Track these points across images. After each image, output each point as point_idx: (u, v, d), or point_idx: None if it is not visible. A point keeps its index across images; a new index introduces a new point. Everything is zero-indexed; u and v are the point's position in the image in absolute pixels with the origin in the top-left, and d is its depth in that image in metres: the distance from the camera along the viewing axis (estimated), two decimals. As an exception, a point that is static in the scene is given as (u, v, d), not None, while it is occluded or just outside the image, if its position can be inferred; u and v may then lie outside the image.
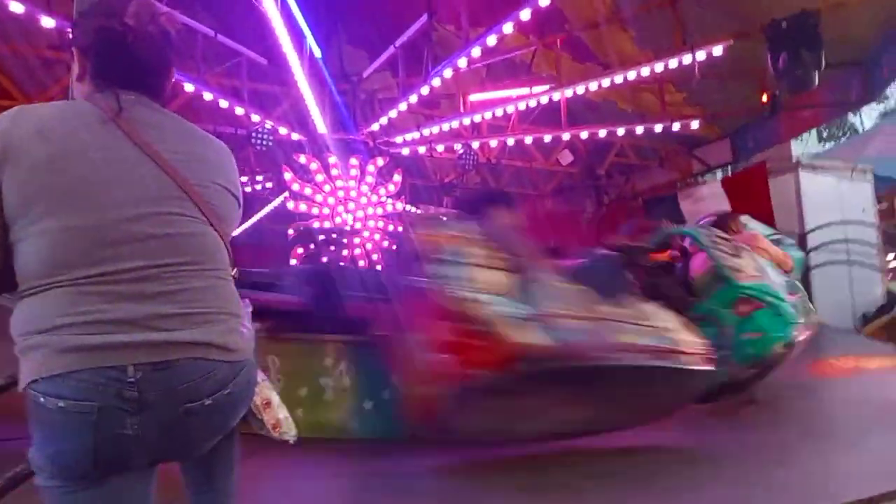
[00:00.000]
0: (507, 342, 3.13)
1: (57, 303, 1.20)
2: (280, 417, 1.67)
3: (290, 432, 1.67)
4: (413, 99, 7.19)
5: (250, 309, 1.50)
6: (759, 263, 4.59)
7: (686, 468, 3.34)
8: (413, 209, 8.64)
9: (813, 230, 7.77)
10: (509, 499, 3.04)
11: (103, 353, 1.19)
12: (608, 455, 3.68)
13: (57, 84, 6.83)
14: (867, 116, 22.18)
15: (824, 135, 22.90)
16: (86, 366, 1.17)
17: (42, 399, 1.18)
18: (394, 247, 7.78)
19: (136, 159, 1.31)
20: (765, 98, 7.05)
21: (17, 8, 5.26)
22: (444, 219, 4.30)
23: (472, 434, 3.57)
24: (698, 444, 3.84)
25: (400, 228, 7.68)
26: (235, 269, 1.49)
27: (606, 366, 3.29)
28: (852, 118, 22.16)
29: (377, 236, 7.99)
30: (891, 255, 8.17)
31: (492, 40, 6.05)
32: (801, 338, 4.47)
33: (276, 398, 1.66)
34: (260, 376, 1.53)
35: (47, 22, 5.44)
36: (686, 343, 3.61)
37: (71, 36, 1.42)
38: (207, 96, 6.74)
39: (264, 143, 7.26)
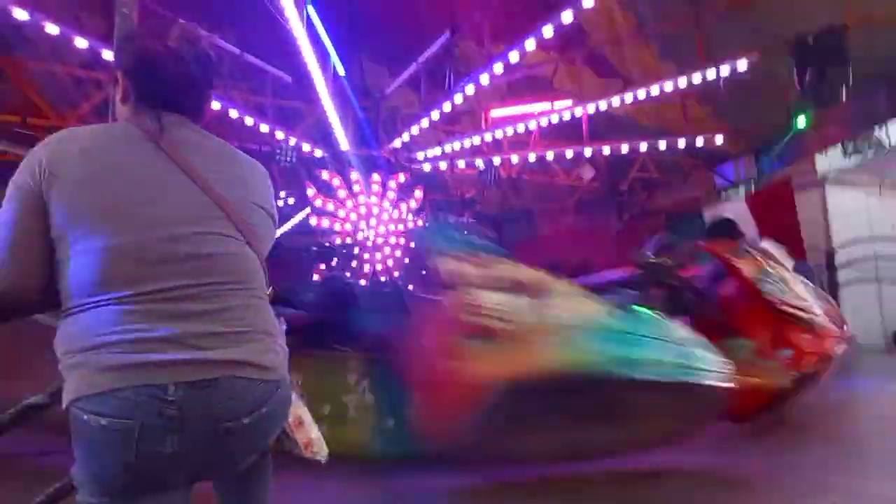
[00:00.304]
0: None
1: (99, 321, 1.22)
2: (312, 437, 1.67)
3: (321, 452, 1.67)
4: (435, 115, 7.23)
5: (285, 327, 1.51)
6: None
7: (720, 492, 3.27)
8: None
9: (841, 247, 7.63)
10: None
11: (144, 372, 1.20)
12: (639, 479, 3.62)
13: (87, 102, 6.98)
14: (894, 131, 21.76)
15: (849, 149, 22.49)
16: (127, 384, 1.19)
17: (85, 416, 1.19)
18: (407, 260, 7.76)
19: (176, 179, 1.33)
20: (801, 122, 6.96)
21: (52, 29, 5.41)
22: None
23: (493, 453, 3.60)
24: (731, 467, 3.75)
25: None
26: (270, 289, 1.51)
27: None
28: (878, 132, 21.77)
29: (399, 252, 8.01)
30: (922, 273, 7.97)
31: (514, 56, 6.08)
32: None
33: (308, 417, 1.67)
34: (293, 395, 1.54)
35: (80, 43, 5.58)
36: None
37: (115, 58, 1.45)
38: (233, 113, 6.85)
39: (288, 159, 7.34)
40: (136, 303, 1.22)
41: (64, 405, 1.24)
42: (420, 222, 8.23)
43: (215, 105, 6.72)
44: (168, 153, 1.33)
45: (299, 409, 1.62)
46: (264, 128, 7.28)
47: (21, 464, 3.41)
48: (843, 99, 5.82)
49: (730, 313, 4.44)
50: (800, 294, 4.36)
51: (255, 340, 1.34)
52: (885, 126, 21.69)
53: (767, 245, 4.88)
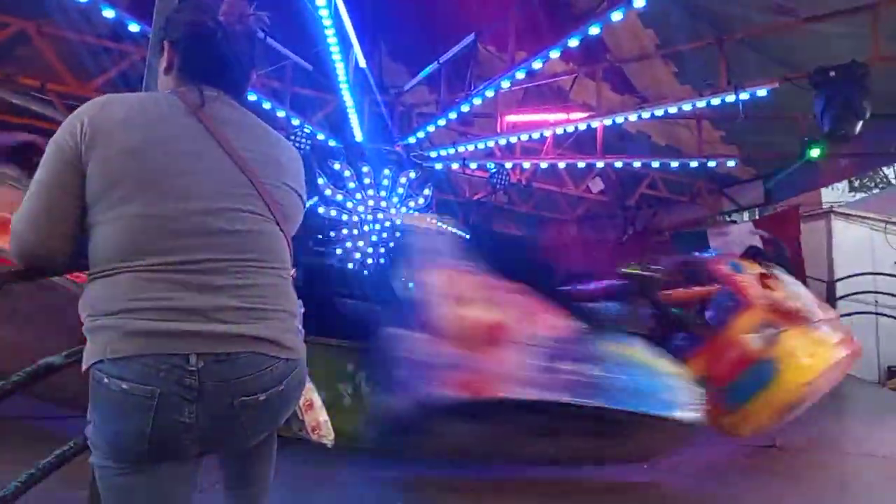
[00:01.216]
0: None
1: (127, 287, 1.24)
2: (321, 420, 1.70)
3: (328, 436, 1.71)
4: (453, 115, 7.25)
5: (303, 310, 1.54)
6: None
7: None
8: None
9: (842, 279, 7.66)
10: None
11: (168, 340, 1.22)
12: (608, 491, 3.67)
13: (106, 73, 6.99)
14: (901, 170, 21.89)
15: (855, 184, 22.65)
16: (151, 351, 1.21)
17: (106, 380, 1.22)
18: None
19: (213, 154, 1.35)
20: (815, 153, 6.98)
21: (80, -4, 5.42)
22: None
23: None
24: (719, 492, 3.79)
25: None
26: (294, 269, 1.53)
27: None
28: (885, 170, 21.90)
29: (403, 248, 8.02)
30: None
31: (537, 65, 6.10)
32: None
33: (318, 401, 1.70)
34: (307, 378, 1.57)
35: (108, 13, 5.59)
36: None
37: (163, 28, 1.47)
38: (251, 97, 6.86)
39: (302, 147, 7.35)
40: (165, 272, 1.25)
41: (84, 367, 1.27)
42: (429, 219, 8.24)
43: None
44: (206, 127, 1.36)
45: (310, 392, 1.65)
46: (281, 113, 7.30)
47: (20, 428, 3.46)
48: (856, 133, 5.84)
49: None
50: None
51: (278, 319, 1.37)
52: (893, 166, 21.66)
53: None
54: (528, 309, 3.72)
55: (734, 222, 10.40)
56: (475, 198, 10.70)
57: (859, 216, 8.61)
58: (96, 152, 1.26)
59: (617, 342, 3.80)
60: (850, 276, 7.61)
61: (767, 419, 4.08)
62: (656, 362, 3.79)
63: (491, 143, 8.38)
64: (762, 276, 4.56)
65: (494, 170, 8.85)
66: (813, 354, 4.09)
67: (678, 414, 3.57)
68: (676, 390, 3.66)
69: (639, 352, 3.80)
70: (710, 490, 3.79)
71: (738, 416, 4.00)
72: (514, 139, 8.43)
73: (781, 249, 6.27)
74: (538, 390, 3.30)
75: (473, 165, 9.09)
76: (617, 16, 5.26)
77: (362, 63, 7.44)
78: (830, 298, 7.39)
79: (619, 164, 8.85)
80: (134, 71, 6.91)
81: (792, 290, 4.51)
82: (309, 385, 1.58)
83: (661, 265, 5.25)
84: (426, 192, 8.30)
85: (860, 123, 5.72)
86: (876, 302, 7.68)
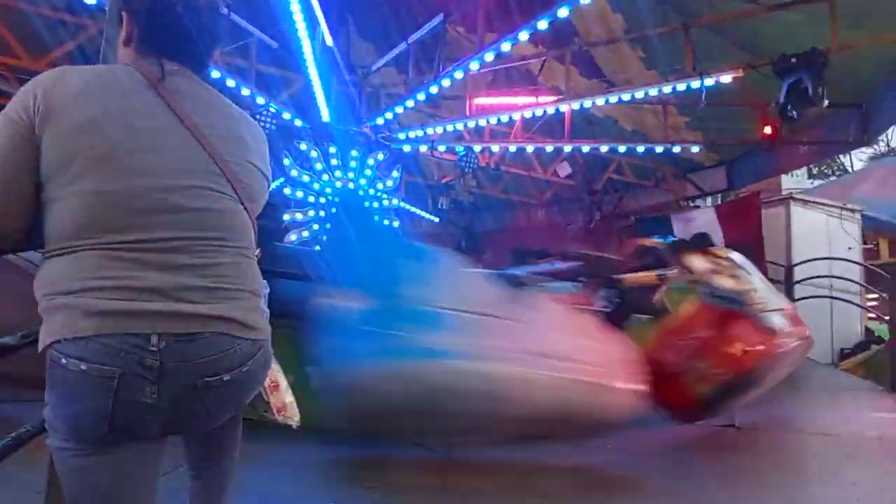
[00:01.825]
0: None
1: (85, 265, 1.20)
2: (286, 401, 1.69)
3: (294, 417, 1.69)
4: (421, 97, 7.20)
5: (268, 290, 1.51)
6: None
7: (663, 495, 3.38)
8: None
9: (799, 263, 7.88)
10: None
11: (129, 320, 1.19)
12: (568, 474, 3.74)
13: (62, 47, 6.74)
14: (856, 157, 22.64)
15: (814, 171, 23.28)
16: (111, 330, 1.18)
17: (64, 360, 1.18)
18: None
19: (173, 130, 1.31)
20: (767, 130, 7.14)
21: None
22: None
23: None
24: (679, 470, 3.88)
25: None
26: (259, 249, 1.50)
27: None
28: (843, 158, 22.58)
29: (370, 230, 7.97)
30: (872, 295, 8.29)
31: (506, 46, 6.08)
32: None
33: (284, 382, 1.68)
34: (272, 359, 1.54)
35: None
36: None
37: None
38: (215, 74, 6.69)
39: (267, 126, 7.21)
40: (125, 250, 1.21)
41: (41, 347, 1.23)
42: (395, 202, 8.21)
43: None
44: (166, 102, 1.32)
45: (276, 374, 1.63)
46: (245, 91, 7.15)
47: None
48: (816, 119, 6.00)
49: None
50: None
51: (243, 299, 1.34)
52: (850, 154, 22.38)
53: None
54: None
55: (697, 207, 10.60)
56: (444, 181, 10.69)
57: (817, 202, 8.85)
58: (50, 126, 1.21)
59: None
60: (807, 261, 7.82)
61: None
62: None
63: (460, 126, 8.37)
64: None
65: (463, 153, 8.84)
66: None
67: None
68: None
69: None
70: (671, 469, 3.89)
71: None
72: (483, 122, 8.42)
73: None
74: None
75: (442, 148, 9.06)
76: (586, -1, 5.27)
77: (329, 41, 7.33)
78: (788, 282, 7.60)
79: (586, 149, 8.93)
80: (91, 45, 6.67)
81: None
82: (275, 366, 1.56)
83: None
84: (394, 174, 8.24)
85: (819, 109, 5.86)
86: (831, 286, 7.92)
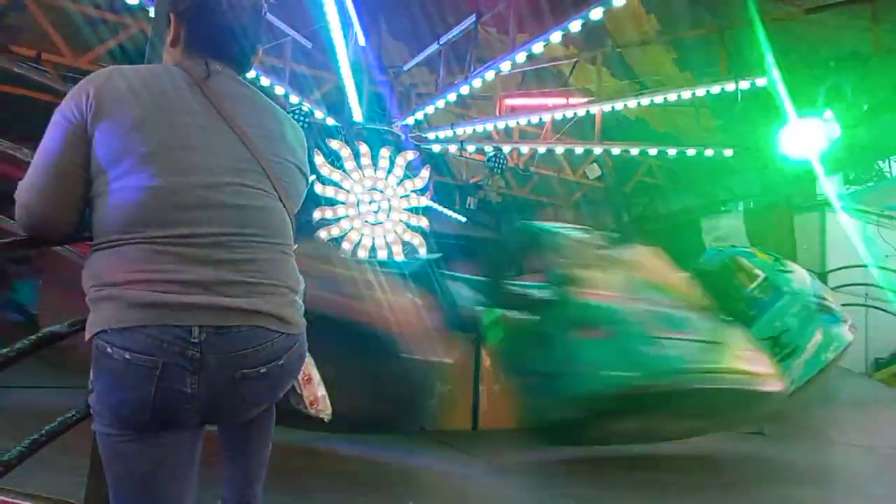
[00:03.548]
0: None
1: (132, 258, 1.25)
2: (319, 395, 1.72)
3: (326, 410, 1.72)
4: (452, 97, 7.22)
5: (304, 286, 1.55)
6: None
7: (695, 495, 3.36)
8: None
9: (834, 270, 7.72)
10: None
11: (172, 312, 1.24)
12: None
13: (104, 45, 6.92)
14: (895, 163, 21.97)
15: (850, 177, 22.68)
16: (155, 322, 1.23)
17: (109, 349, 1.23)
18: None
19: (218, 128, 1.36)
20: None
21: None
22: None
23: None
24: (708, 479, 3.84)
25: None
26: (297, 245, 1.54)
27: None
28: (881, 164, 21.96)
29: (399, 229, 8.03)
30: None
31: (538, 48, 6.07)
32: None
33: (317, 375, 1.71)
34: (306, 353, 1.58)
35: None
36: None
37: (169, 2, 1.46)
38: (250, 73, 6.79)
39: (301, 124, 7.30)
40: (170, 244, 1.26)
41: (88, 336, 1.28)
42: (424, 201, 8.24)
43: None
44: (212, 101, 1.36)
45: (309, 367, 1.67)
46: (279, 90, 7.25)
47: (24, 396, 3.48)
48: (854, 124, 5.88)
49: None
50: None
51: (279, 294, 1.39)
52: (889, 159, 21.71)
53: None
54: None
55: (728, 211, 10.44)
56: (472, 181, 10.69)
57: (852, 209, 8.66)
58: (102, 124, 1.26)
59: None
60: (841, 268, 7.66)
61: None
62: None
63: (489, 127, 8.35)
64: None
65: (492, 153, 8.83)
66: None
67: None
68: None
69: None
70: (700, 477, 3.86)
71: None
72: (512, 123, 8.40)
73: None
74: None
75: (471, 148, 9.06)
76: (619, 0, 5.23)
77: (362, 41, 7.39)
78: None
79: (616, 151, 8.85)
80: (132, 43, 6.83)
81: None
82: (308, 360, 1.59)
83: None
84: (424, 173, 8.28)
85: (857, 114, 5.74)
86: (867, 294, 7.75)
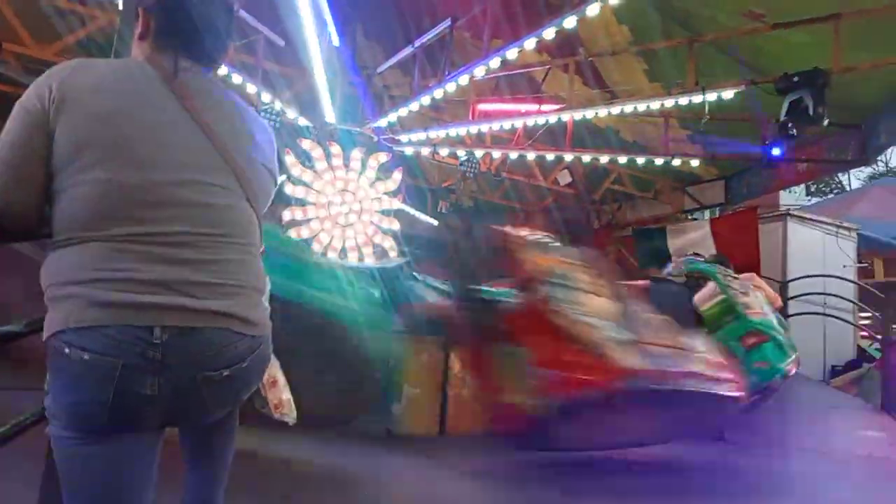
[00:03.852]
0: (615, 364, 3.47)
1: (93, 256, 1.22)
2: (283, 398, 1.70)
3: (290, 414, 1.71)
4: (426, 100, 7.22)
5: (268, 287, 1.54)
6: (761, 301, 4.77)
7: (658, 500, 3.40)
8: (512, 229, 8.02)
9: (794, 279, 7.92)
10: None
11: (134, 312, 1.21)
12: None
13: (72, 36, 6.75)
14: (855, 176, 22.78)
15: (812, 189, 23.39)
16: (115, 322, 1.20)
17: (67, 350, 1.20)
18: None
19: (185, 126, 1.34)
20: (776, 151, 7.17)
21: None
22: (551, 243, 4.35)
23: (568, 444, 3.93)
24: (669, 484, 3.91)
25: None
26: (263, 247, 1.53)
27: (681, 390, 3.69)
28: (841, 176, 22.69)
29: (370, 230, 7.99)
30: (865, 314, 8.34)
31: (512, 54, 6.11)
32: (792, 370, 4.68)
33: (282, 378, 1.70)
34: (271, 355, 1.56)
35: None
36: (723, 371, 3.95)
37: None
38: (221, 70, 6.71)
39: (272, 123, 7.25)
40: (132, 242, 1.24)
41: (45, 336, 1.25)
42: (396, 204, 8.22)
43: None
44: (180, 98, 1.35)
45: (274, 370, 1.65)
46: (251, 88, 7.17)
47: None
48: (816, 138, 6.05)
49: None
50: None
51: (244, 295, 1.37)
52: (849, 173, 22.45)
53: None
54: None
55: (695, 220, 10.64)
56: (444, 185, 10.71)
57: (814, 220, 8.91)
58: (65, 117, 1.23)
59: None
60: (802, 278, 7.87)
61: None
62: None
63: (462, 131, 8.38)
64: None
65: (465, 157, 8.86)
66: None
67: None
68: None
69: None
70: (659, 484, 3.91)
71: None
72: (485, 128, 8.45)
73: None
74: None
75: (444, 152, 9.08)
76: (592, 9, 5.30)
77: (335, 41, 7.35)
78: (783, 298, 7.64)
79: (587, 158, 8.96)
80: (101, 35, 6.69)
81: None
82: (273, 362, 1.58)
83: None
84: (396, 176, 8.26)
85: (820, 128, 5.91)
86: (825, 303, 7.96)
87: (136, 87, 1.31)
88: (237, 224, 1.39)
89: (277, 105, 7.42)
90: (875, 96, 7.09)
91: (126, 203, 1.24)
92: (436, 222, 10.99)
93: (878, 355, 7.20)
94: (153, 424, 1.29)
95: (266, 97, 7.34)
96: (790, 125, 5.91)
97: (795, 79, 5.76)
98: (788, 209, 9.62)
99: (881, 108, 7.25)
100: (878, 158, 15.87)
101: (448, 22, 6.85)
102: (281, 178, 8.13)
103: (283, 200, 7.65)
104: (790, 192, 18.14)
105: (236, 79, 6.94)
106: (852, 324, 8.32)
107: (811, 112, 5.75)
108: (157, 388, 1.23)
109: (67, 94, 1.24)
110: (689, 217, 10.81)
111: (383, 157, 8.09)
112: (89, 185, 1.23)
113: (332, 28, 7.17)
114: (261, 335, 1.41)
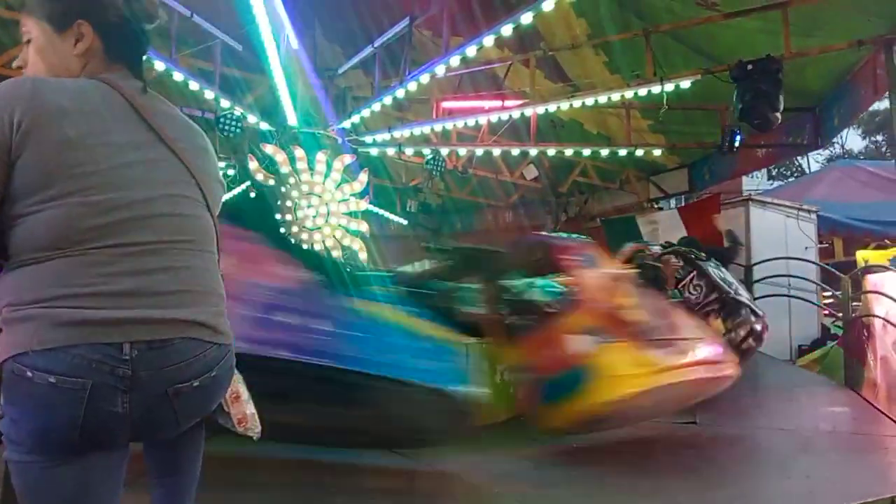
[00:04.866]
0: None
1: (57, 272, 1.19)
2: (247, 413, 1.67)
3: (254, 429, 1.68)
4: (387, 100, 7.21)
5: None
6: None
7: (624, 491, 3.45)
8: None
9: (758, 263, 8.10)
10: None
11: (102, 329, 1.18)
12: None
13: (19, 47, 6.56)
14: (814, 159, 23.40)
15: (773, 173, 23.95)
16: (82, 341, 1.16)
17: (30, 373, 1.16)
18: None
19: (152, 144, 1.34)
20: (737, 140, 7.33)
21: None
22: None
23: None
24: (642, 466, 3.97)
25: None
26: (220, 254, 1.52)
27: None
28: (800, 160, 23.29)
29: (337, 234, 7.95)
30: (827, 293, 8.57)
31: (471, 51, 6.14)
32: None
33: (245, 393, 1.67)
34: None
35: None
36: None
37: (74, 7, 1.40)
38: (177, 76, 6.61)
39: (232, 129, 7.15)
40: (100, 254, 1.21)
41: (2, 359, 1.21)
42: (364, 205, 8.19)
43: (159, 65, 6.46)
44: (143, 117, 1.35)
45: (237, 384, 1.62)
46: (209, 94, 7.06)
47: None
48: (776, 124, 6.19)
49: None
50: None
51: (212, 303, 1.37)
52: (808, 157, 23.01)
53: None
54: (250, 257, 3.07)
55: (661, 209, 10.81)
56: (411, 184, 10.71)
57: (774, 203, 9.10)
58: (31, 147, 1.17)
59: (375, 303, 3.43)
60: (766, 261, 8.03)
61: (572, 423, 3.90)
62: (428, 330, 3.45)
63: (427, 129, 8.38)
64: (614, 279, 4.47)
65: (431, 156, 8.87)
66: (635, 373, 3.76)
67: (449, 388, 3.22)
68: (449, 362, 3.40)
69: (405, 317, 3.44)
70: (631, 464, 3.97)
71: (546, 411, 3.91)
72: (449, 126, 8.47)
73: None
74: (253, 345, 2.69)
75: (409, 151, 9.08)
76: (548, 4, 5.34)
77: (294, 44, 7.29)
78: (748, 282, 7.81)
79: (551, 152, 9.04)
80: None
81: (647, 303, 4.36)
82: (236, 376, 1.56)
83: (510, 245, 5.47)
84: (362, 177, 8.23)
85: (776, 115, 6.05)
86: (789, 284, 8.14)
87: (99, 109, 1.28)
88: (203, 232, 1.40)
89: (238, 110, 7.33)
90: (826, 81, 7.30)
91: (98, 222, 1.21)
92: (405, 222, 10.98)
93: (841, 333, 7.40)
94: (123, 441, 1.27)
95: (225, 103, 7.24)
96: (747, 112, 6.03)
97: (750, 66, 5.89)
98: (750, 194, 9.82)
99: (832, 92, 7.46)
100: (834, 141, 16.31)
101: (407, 20, 6.85)
102: (245, 185, 8.06)
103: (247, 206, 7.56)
104: (752, 177, 18.56)
105: (193, 85, 6.82)
106: (816, 304, 8.53)
107: (767, 98, 5.89)
108: (129, 405, 1.21)
109: (33, 122, 1.18)
110: (655, 206, 10.98)
111: (348, 158, 8.05)
112: (57, 208, 1.19)
113: (290, 31, 7.11)
114: (227, 344, 1.40)
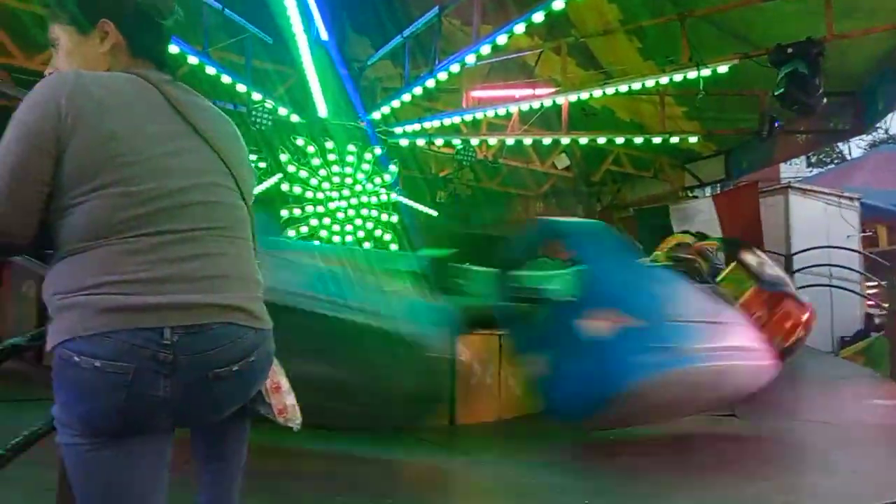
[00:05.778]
0: None
1: (100, 261, 1.23)
2: (287, 403, 1.68)
3: (294, 419, 1.69)
4: (418, 91, 7.18)
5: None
6: None
7: (663, 484, 3.40)
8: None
9: (798, 252, 7.90)
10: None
11: (143, 314, 1.21)
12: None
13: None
14: (855, 145, 22.67)
15: (812, 160, 23.30)
16: (125, 326, 1.20)
17: (76, 358, 1.20)
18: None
19: (186, 134, 1.37)
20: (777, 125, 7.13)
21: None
22: None
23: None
24: (677, 459, 3.91)
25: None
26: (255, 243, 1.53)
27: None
28: (841, 146, 22.59)
29: (369, 225, 7.98)
30: (872, 283, 8.32)
31: (502, 39, 6.07)
32: None
33: (286, 383, 1.68)
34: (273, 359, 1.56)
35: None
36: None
37: (99, 7, 1.42)
38: (210, 70, 6.69)
39: (264, 122, 7.22)
40: (140, 242, 1.25)
41: (50, 346, 1.24)
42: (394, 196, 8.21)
43: (192, 59, 6.55)
44: (177, 109, 1.38)
45: (278, 375, 1.63)
46: (241, 87, 7.13)
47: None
48: (817, 109, 6.01)
49: None
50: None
51: (249, 289, 1.40)
52: (848, 143, 22.35)
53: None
54: None
55: (696, 197, 10.61)
56: (441, 174, 10.68)
57: (815, 191, 8.86)
58: (77, 139, 1.22)
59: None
60: (806, 250, 7.84)
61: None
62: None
63: (457, 119, 8.34)
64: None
65: (460, 146, 8.83)
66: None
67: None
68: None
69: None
70: (671, 458, 3.92)
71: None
72: (479, 115, 8.41)
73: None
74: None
75: (439, 141, 9.05)
76: (580, -10, 5.25)
77: (324, 35, 7.30)
78: (788, 271, 7.62)
79: (583, 140, 8.91)
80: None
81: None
82: (276, 367, 1.57)
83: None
84: (392, 168, 8.24)
85: (816, 99, 5.87)
86: (831, 274, 7.94)
87: (134, 101, 1.32)
88: (239, 220, 1.43)
89: (269, 103, 7.39)
90: (869, 64, 7.04)
91: (136, 210, 1.25)
92: (435, 213, 10.97)
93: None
94: (165, 426, 1.31)
95: (257, 96, 7.30)
96: (787, 97, 5.86)
97: (789, 50, 5.71)
98: (789, 182, 9.58)
99: (876, 74, 7.20)
100: (878, 125, 15.77)
101: (436, 9, 6.80)
102: (277, 177, 8.13)
103: (280, 199, 7.64)
104: (791, 164, 18.09)
105: (226, 79, 6.90)
106: (859, 294, 8.30)
107: (807, 83, 5.71)
108: (170, 390, 1.24)
109: (78, 115, 1.23)
110: (690, 194, 10.77)
111: (378, 150, 8.06)
112: (100, 199, 1.23)
113: (319, 23, 7.12)
114: (265, 329, 1.42)
